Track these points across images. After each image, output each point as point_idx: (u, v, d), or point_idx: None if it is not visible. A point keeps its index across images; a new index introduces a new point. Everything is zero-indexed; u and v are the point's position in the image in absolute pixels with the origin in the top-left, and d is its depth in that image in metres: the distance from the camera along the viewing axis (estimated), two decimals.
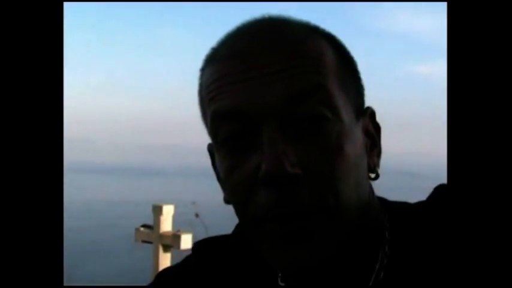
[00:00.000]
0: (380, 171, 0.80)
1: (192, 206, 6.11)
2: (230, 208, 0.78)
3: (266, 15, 0.79)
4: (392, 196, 0.87)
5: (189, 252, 0.95)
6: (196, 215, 6.00)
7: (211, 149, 0.82)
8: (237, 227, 0.89)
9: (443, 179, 0.74)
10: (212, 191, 0.78)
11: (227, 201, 0.79)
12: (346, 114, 0.73)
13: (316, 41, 0.75)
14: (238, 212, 0.76)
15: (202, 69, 0.78)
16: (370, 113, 0.81)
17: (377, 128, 0.82)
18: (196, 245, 0.94)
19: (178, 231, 5.51)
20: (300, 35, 0.75)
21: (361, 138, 0.77)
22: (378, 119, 0.83)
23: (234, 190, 0.74)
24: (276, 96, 0.70)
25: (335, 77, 0.74)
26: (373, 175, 0.80)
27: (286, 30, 0.75)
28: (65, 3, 0.83)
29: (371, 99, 0.81)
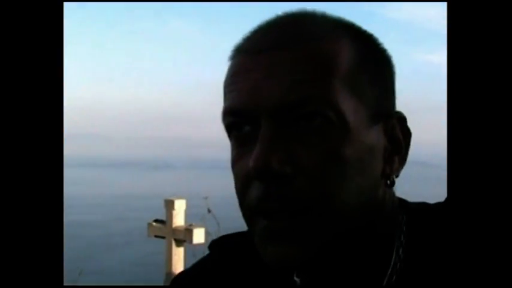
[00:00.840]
0: (396, 179, 0.78)
1: (204, 201, 6.12)
2: None
3: (297, 10, 0.78)
4: (406, 185, 0.85)
5: (202, 247, 0.95)
6: (209, 211, 6.00)
7: None
8: None
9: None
10: (224, 185, 0.79)
11: None
12: (354, 117, 0.72)
13: (333, 41, 0.74)
14: (239, 202, 0.77)
15: (229, 60, 0.79)
16: (399, 118, 0.78)
17: (406, 134, 0.79)
18: (213, 243, 0.94)
19: (191, 225, 5.52)
20: (316, 32, 0.74)
21: (374, 142, 0.75)
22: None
23: (236, 180, 0.76)
24: (275, 100, 0.71)
25: (346, 80, 0.72)
26: (388, 182, 0.78)
27: (303, 28, 0.74)
28: (65, 3, 0.84)
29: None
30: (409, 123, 0.79)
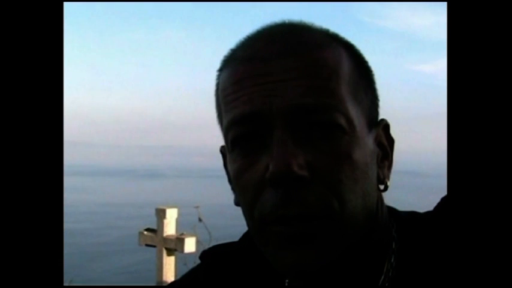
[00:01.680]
0: (389, 183, 0.80)
1: (195, 210, 6.11)
2: (232, 211, 0.77)
3: (286, 20, 0.79)
4: (396, 194, 0.86)
5: (193, 256, 0.95)
6: (200, 220, 5.99)
7: (223, 151, 0.83)
8: (245, 234, 0.89)
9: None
10: (215, 193, 0.78)
11: (237, 203, 0.79)
12: (358, 123, 0.73)
13: (334, 50, 0.75)
14: (246, 213, 0.76)
15: (220, 70, 0.79)
16: (384, 126, 0.81)
17: (390, 141, 0.81)
18: (204, 253, 0.94)
19: (182, 234, 5.50)
20: (318, 42, 0.75)
21: (371, 149, 0.76)
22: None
23: (243, 191, 0.75)
24: (289, 104, 0.71)
25: (349, 87, 0.74)
26: (382, 186, 0.79)
27: (304, 36, 0.75)
28: (65, 3, 0.84)
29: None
30: (400, 132, 0.81)
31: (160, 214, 5.64)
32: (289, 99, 0.70)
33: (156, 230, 5.69)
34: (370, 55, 0.82)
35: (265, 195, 0.72)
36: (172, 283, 0.95)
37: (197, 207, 6.05)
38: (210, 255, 0.92)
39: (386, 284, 0.77)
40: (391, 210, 0.84)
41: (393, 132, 0.82)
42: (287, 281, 0.82)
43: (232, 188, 0.80)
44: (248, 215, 0.75)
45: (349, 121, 0.72)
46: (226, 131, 0.76)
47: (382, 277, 0.77)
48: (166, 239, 5.56)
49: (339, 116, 0.71)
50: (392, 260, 0.78)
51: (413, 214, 0.84)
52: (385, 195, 0.81)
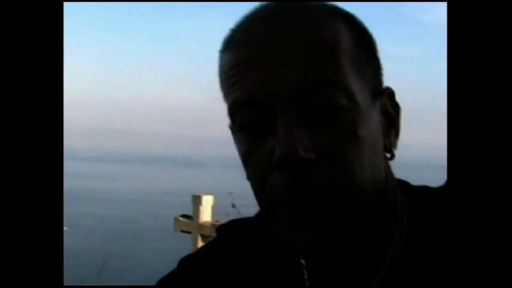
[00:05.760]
0: (396, 151, 0.80)
1: (229, 196, 6.13)
2: None
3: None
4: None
5: None
6: (233, 206, 6.02)
7: (232, 129, 0.83)
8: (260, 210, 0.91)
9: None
10: (249, 183, 0.80)
11: (248, 179, 0.80)
12: (362, 98, 0.74)
13: (333, 26, 0.75)
14: (256, 194, 0.78)
15: (221, 52, 0.79)
16: (389, 93, 0.81)
17: (396, 108, 0.81)
18: (221, 227, 0.96)
19: (217, 221, 5.54)
20: (316, 19, 0.75)
21: (377, 120, 0.77)
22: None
23: (252, 173, 0.76)
24: (291, 86, 0.71)
25: (351, 61, 0.74)
26: (388, 155, 0.80)
27: (302, 15, 0.75)
28: (65, 3, 0.84)
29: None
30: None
31: (196, 201, 5.69)
32: (290, 81, 0.71)
33: (191, 217, 5.74)
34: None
35: (273, 177, 0.73)
36: (188, 256, 0.97)
37: (231, 193, 6.07)
38: (226, 229, 0.95)
39: (396, 255, 0.78)
40: (403, 183, 0.85)
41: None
42: (302, 260, 0.84)
43: (243, 167, 0.80)
44: (258, 194, 0.77)
45: (352, 97, 0.72)
46: (230, 114, 0.77)
47: (392, 247, 0.78)
48: (201, 226, 5.61)
49: (340, 93, 0.71)
50: (402, 232, 0.79)
51: (425, 188, 0.85)
52: None
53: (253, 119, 0.74)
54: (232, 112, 0.76)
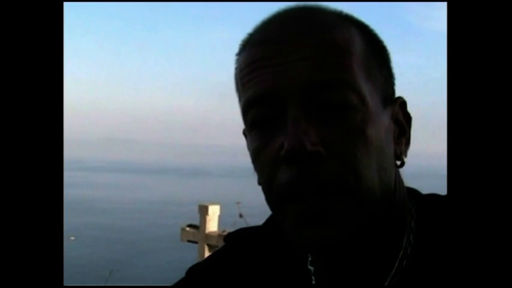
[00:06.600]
0: (406, 159, 0.81)
1: (236, 206, 6.14)
2: None
3: (301, 3, 0.81)
4: None
5: None
6: (240, 215, 6.02)
7: (245, 133, 0.85)
8: (268, 219, 0.91)
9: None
10: (258, 193, 0.80)
11: (259, 182, 0.81)
12: (372, 100, 0.75)
13: (346, 29, 0.77)
14: (264, 192, 0.78)
15: (238, 54, 0.81)
16: (401, 103, 0.82)
17: (407, 118, 0.82)
18: (228, 235, 0.97)
19: (224, 231, 5.54)
20: (329, 22, 0.77)
21: (387, 125, 0.78)
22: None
23: (261, 169, 0.77)
24: (301, 82, 0.72)
25: (362, 65, 0.75)
26: (398, 162, 0.81)
27: (316, 18, 0.77)
28: (65, 3, 0.84)
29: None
30: None
31: (203, 211, 5.69)
32: (301, 77, 0.72)
33: (198, 226, 5.74)
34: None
35: (281, 173, 0.73)
36: (195, 265, 0.97)
37: (238, 203, 6.07)
38: (234, 238, 0.95)
39: (404, 261, 0.78)
40: (412, 191, 0.85)
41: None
42: (309, 266, 0.84)
43: (254, 168, 0.81)
44: (267, 192, 0.77)
45: (361, 97, 0.73)
46: (243, 113, 0.78)
47: (401, 253, 0.78)
48: (208, 236, 5.60)
49: (350, 93, 0.72)
50: (411, 238, 0.79)
51: (434, 196, 0.85)
52: None
53: (265, 116, 0.75)
54: (246, 110, 0.77)
